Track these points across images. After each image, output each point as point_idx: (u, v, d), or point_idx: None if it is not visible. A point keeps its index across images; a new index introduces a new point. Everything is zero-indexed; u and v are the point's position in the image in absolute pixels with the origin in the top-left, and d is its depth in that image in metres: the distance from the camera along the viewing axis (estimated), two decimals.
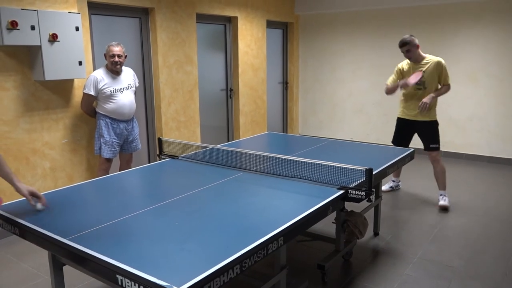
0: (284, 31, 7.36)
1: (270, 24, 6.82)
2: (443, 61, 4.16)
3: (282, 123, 7.64)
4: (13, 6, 3.52)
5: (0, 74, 3.61)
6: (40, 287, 2.95)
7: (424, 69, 4.13)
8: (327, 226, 3.51)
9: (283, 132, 7.54)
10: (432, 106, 4.20)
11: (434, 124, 4.26)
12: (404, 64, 4.32)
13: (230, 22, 6.10)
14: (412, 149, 3.63)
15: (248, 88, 6.39)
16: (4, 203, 2.42)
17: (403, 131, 4.41)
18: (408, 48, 4.12)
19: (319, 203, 2.32)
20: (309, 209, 2.23)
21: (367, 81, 6.89)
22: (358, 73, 6.97)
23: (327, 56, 7.25)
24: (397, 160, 3.27)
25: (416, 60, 4.18)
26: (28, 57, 3.78)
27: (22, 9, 3.53)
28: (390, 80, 4.38)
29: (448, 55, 6.12)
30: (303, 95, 7.69)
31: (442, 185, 4.34)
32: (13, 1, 3.54)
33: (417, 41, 4.14)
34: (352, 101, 7.10)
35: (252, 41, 6.35)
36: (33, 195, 2.18)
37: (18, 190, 2.17)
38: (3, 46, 3.54)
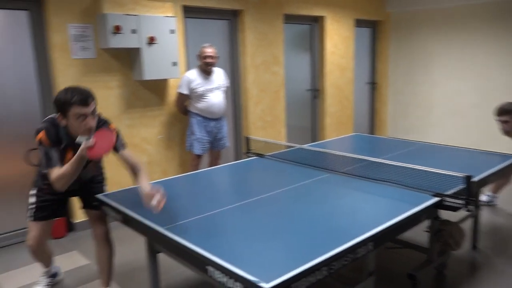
0: (373, 30, 7.10)
1: (359, 23, 6.62)
2: None
3: (369, 125, 7.39)
4: (117, 12, 3.82)
5: (106, 75, 3.95)
6: (137, 271, 3.17)
7: None
8: (418, 234, 3.31)
9: (371, 134, 7.29)
10: None
11: None
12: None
13: (317, 22, 6.04)
14: None
15: (334, 88, 6.28)
16: (110, 192, 2.63)
17: None
18: (507, 119, 3.62)
19: (412, 209, 2.20)
20: (401, 215, 2.12)
21: (464, 82, 6.39)
22: (455, 74, 6.49)
23: (420, 56, 6.85)
24: (501, 168, 2.98)
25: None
26: (129, 59, 4.08)
27: (125, 14, 3.82)
28: None
29: None
30: (393, 97, 7.35)
31: None
32: (118, 7, 3.84)
33: None
34: (447, 104, 6.63)
35: (339, 40, 6.22)
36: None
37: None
38: (109, 48, 3.86)
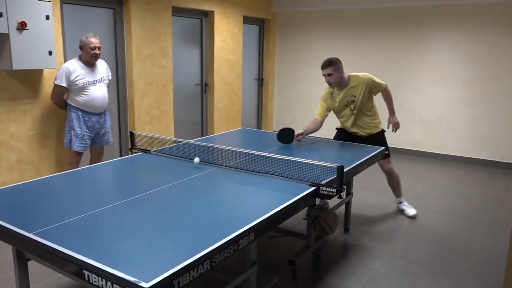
0: (261, 28, 7.36)
1: (247, 20, 6.80)
2: (368, 76, 3.81)
3: (256, 119, 7.65)
4: None
5: None
6: (3, 283, 2.87)
7: (355, 94, 3.79)
8: (299, 222, 3.54)
9: (258, 129, 7.55)
10: (372, 120, 3.92)
11: (379, 134, 3.95)
12: (329, 92, 3.93)
13: (206, 17, 6.06)
14: (383, 147, 3.69)
15: (223, 83, 6.36)
16: None
17: (345, 138, 4.04)
18: (330, 72, 3.70)
19: (290, 199, 2.34)
20: (280, 205, 2.24)
21: None
22: None
23: (303, 54, 7.30)
24: (368, 158, 3.33)
25: (338, 85, 3.79)
26: None
27: None
28: (318, 112, 3.95)
29: (422, 56, 6.27)
30: (278, 92, 7.72)
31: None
32: None
33: (341, 66, 3.77)
34: None
35: (228, 36, 6.32)
36: None
37: None
38: None
